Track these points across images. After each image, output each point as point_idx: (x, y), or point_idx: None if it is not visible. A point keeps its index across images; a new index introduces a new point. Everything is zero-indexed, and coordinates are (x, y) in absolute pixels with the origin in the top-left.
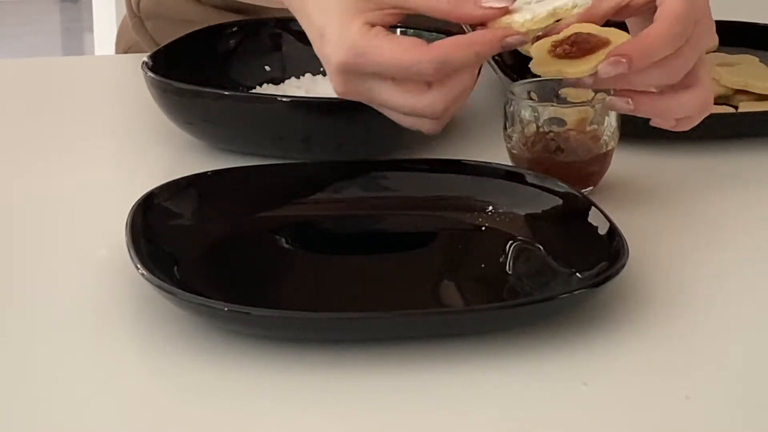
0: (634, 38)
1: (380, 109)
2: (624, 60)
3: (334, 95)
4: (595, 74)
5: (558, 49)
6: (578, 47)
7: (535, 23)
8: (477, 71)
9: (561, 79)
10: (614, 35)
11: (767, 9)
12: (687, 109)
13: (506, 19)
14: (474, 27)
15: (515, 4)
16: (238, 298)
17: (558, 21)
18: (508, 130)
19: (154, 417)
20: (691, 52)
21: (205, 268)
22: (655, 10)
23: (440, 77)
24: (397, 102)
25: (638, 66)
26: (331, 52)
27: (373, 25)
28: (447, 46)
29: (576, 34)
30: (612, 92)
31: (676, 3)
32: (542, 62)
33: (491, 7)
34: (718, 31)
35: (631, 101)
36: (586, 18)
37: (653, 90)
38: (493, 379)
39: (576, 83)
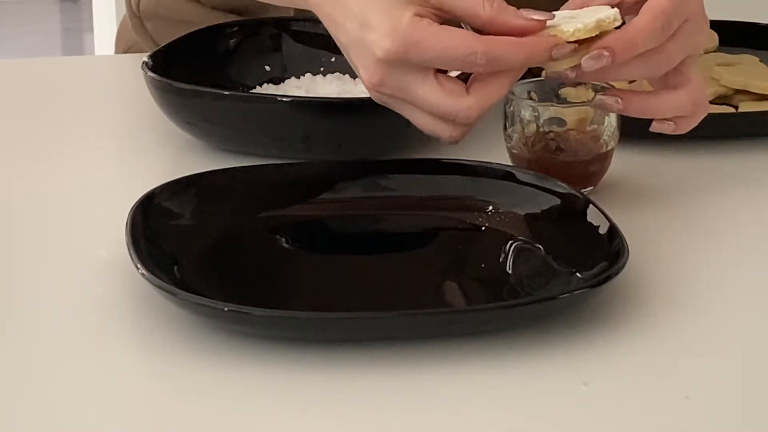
0: (616, 31)
1: (406, 109)
2: (606, 53)
3: (334, 95)
4: (577, 67)
5: None
6: None
7: (585, 33)
8: (512, 83)
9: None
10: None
11: (767, 9)
12: (677, 108)
13: (552, 29)
14: (479, 32)
15: (554, 20)
16: (238, 298)
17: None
18: (508, 130)
19: (154, 417)
20: (675, 48)
21: (205, 268)
22: None
23: (488, 72)
24: (435, 100)
25: (621, 59)
26: (378, 39)
27: (422, 17)
28: (500, 42)
29: None
30: None
31: None
32: None
33: (532, 19)
34: (718, 31)
35: (620, 100)
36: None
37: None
38: (493, 379)
39: (558, 77)
